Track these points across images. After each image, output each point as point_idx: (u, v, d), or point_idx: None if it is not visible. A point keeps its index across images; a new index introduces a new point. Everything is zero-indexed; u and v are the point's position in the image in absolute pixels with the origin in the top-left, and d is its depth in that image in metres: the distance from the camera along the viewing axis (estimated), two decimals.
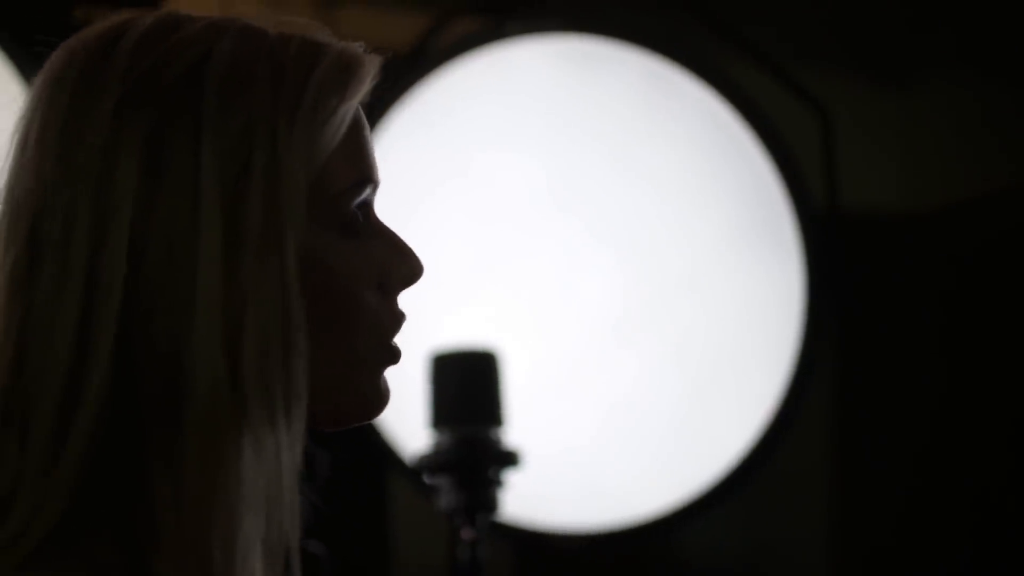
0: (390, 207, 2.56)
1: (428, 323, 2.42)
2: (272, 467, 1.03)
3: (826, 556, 2.99)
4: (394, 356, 1.11)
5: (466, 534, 2.18)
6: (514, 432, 2.25)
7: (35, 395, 1.01)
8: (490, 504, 2.19)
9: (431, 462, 2.20)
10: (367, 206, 1.11)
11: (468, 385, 2.21)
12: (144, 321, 1.02)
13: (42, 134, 1.05)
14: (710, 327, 2.60)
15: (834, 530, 2.99)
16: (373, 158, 1.11)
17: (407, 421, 2.38)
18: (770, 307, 2.63)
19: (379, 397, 1.11)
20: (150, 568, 1.02)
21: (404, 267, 1.11)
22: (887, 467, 2.95)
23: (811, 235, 2.63)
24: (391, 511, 2.75)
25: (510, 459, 2.20)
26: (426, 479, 2.24)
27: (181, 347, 1.01)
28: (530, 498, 2.47)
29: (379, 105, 2.52)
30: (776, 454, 2.61)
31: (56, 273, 1.02)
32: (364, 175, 1.10)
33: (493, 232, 2.55)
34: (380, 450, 2.48)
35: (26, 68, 2.11)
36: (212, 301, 1.01)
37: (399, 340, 1.12)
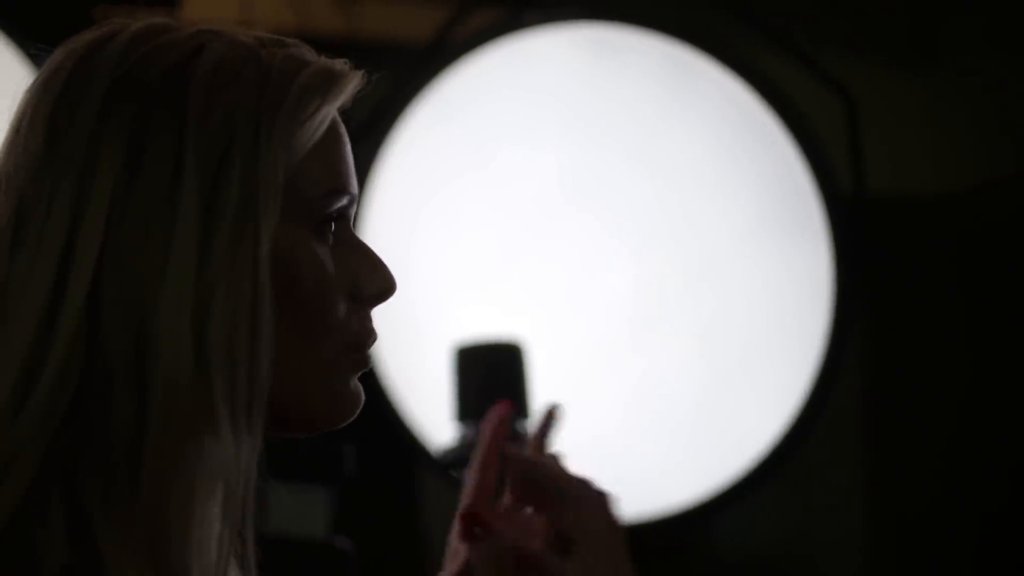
0: (410, 201, 2.56)
1: (449, 316, 2.41)
2: (231, 453, 1.05)
3: (861, 538, 2.98)
4: (362, 363, 1.13)
5: None
6: None
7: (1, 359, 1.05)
8: None
9: (457, 455, 2.19)
10: (344, 219, 1.13)
11: (493, 377, 2.20)
12: (115, 297, 1.05)
13: (35, 117, 1.10)
14: (738, 316, 2.59)
15: (868, 513, 2.98)
16: (351, 172, 1.14)
17: (433, 414, 2.38)
18: (798, 293, 2.61)
19: (347, 402, 1.13)
20: (97, 548, 1.03)
21: (376, 280, 1.13)
22: (919, 449, 2.94)
23: (839, 220, 2.62)
24: (422, 505, 2.75)
25: None
26: (452, 473, 2.23)
27: (148, 323, 1.04)
28: None
29: (399, 98, 2.52)
30: (807, 442, 2.60)
31: (33, 246, 1.06)
32: (340, 185, 1.12)
33: (514, 224, 2.54)
34: (407, 444, 2.48)
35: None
36: (183, 280, 1.05)
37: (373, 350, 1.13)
